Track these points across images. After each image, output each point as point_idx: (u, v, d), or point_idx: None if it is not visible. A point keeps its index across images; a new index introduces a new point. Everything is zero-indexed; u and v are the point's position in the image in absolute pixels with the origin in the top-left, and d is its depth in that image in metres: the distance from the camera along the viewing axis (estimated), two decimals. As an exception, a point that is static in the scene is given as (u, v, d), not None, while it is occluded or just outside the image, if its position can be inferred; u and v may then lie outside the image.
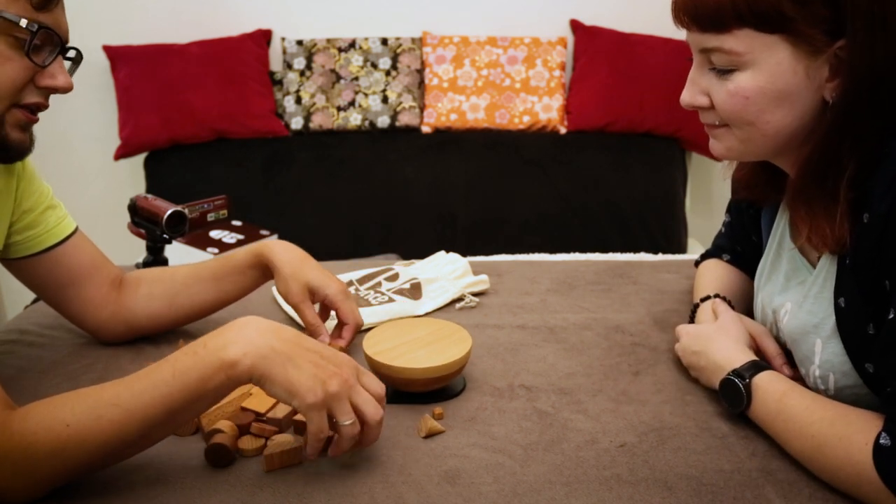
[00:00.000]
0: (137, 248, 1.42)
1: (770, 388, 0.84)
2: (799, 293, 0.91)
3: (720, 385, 0.90)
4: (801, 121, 0.81)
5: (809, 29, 0.76)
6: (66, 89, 0.87)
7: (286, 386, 0.74)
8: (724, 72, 0.82)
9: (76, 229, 1.07)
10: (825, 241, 0.81)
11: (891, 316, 0.73)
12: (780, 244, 0.98)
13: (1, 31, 0.80)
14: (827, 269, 0.85)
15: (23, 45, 0.82)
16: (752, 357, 0.90)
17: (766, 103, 0.80)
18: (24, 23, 0.80)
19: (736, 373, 0.88)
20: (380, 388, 0.81)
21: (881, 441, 0.71)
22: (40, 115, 0.88)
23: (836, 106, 0.79)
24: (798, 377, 0.93)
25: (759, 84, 0.79)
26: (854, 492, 0.74)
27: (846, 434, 0.75)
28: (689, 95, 0.87)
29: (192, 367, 0.73)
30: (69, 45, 0.88)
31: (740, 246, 1.15)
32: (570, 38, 2.73)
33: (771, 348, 0.96)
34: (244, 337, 0.75)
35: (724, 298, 1.07)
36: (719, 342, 0.94)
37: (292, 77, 2.65)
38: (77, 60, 0.92)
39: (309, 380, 0.74)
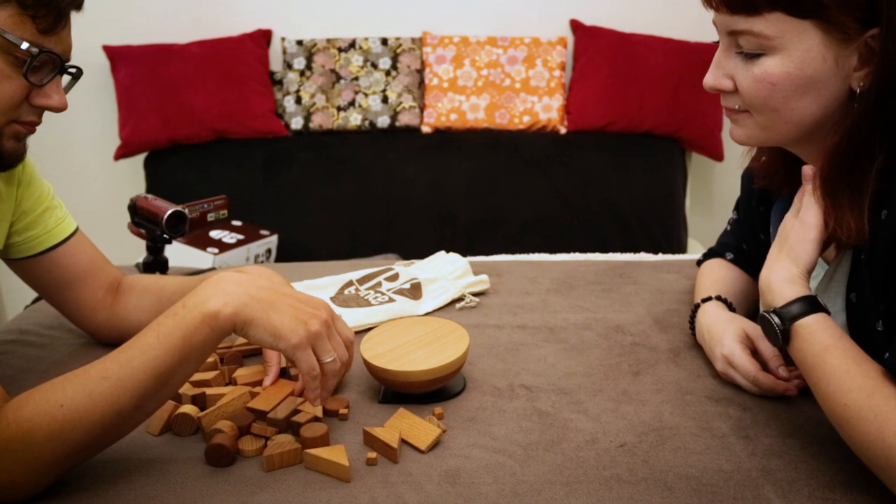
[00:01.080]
0: (137, 248, 1.42)
1: (812, 339, 0.78)
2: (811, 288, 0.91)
3: (758, 317, 0.84)
4: (826, 110, 0.80)
5: (843, 15, 0.75)
6: (60, 109, 0.88)
7: (270, 329, 0.77)
8: (751, 56, 0.80)
9: (76, 230, 1.07)
10: (849, 233, 0.80)
11: None
12: None
13: (2, 49, 0.80)
14: (841, 263, 0.85)
15: (22, 64, 0.82)
16: (803, 291, 0.81)
17: (793, 90, 0.79)
18: (25, 46, 0.80)
19: (778, 312, 0.81)
20: (351, 333, 0.87)
21: None
22: None
23: (864, 95, 0.77)
24: (797, 375, 0.92)
25: (787, 70, 0.78)
26: (880, 471, 0.71)
27: (883, 411, 0.70)
28: (713, 78, 0.85)
29: (175, 327, 0.76)
30: (70, 63, 0.88)
31: (746, 244, 1.14)
32: (570, 38, 2.73)
33: (767, 350, 0.95)
34: (222, 289, 0.77)
35: (724, 300, 1.06)
36: (778, 258, 0.85)
37: (292, 77, 2.65)
38: (77, 76, 0.91)
39: (291, 321, 0.78)
